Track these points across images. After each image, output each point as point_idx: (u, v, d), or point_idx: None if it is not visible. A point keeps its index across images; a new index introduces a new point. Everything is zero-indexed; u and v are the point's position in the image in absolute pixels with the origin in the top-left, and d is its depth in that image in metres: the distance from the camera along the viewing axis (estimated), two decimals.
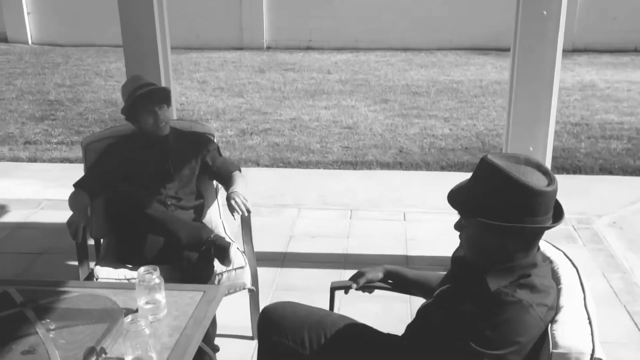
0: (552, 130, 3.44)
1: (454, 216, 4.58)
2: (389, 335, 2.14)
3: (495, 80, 9.52)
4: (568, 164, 5.60)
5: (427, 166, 5.59)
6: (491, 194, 1.66)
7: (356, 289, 2.30)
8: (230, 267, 2.85)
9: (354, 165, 5.65)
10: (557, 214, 1.69)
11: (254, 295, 3.03)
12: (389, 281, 2.32)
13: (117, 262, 2.93)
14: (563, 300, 1.66)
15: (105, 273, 2.81)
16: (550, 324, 1.61)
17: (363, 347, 2.08)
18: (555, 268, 1.81)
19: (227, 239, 3.01)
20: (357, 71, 10.45)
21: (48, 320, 2.02)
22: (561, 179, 5.28)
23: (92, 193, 3.03)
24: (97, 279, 2.76)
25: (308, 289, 3.51)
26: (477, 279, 1.70)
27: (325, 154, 5.95)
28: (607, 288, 3.49)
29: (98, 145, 3.23)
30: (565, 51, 12.28)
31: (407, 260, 3.87)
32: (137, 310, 2.29)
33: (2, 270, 3.35)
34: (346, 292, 2.35)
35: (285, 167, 5.64)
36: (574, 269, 1.82)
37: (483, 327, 1.59)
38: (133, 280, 2.76)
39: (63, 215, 4.51)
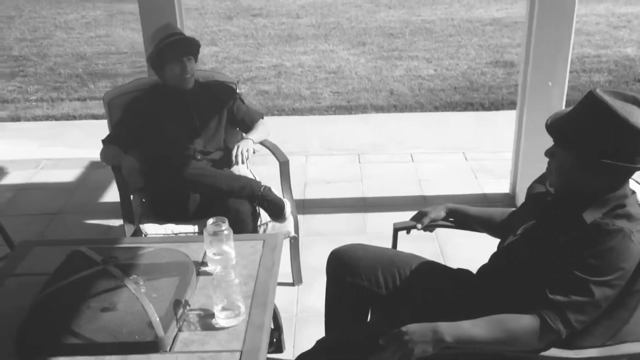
0: (569, 65, 3.51)
1: (459, 155, 4.67)
2: (461, 270, 2.21)
3: (467, 19, 9.57)
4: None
5: (422, 107, 5.64)
6: (594, 130, 1.70)
7: (421, 229, 2.34)
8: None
9: (348, 109, 5.66)
10: None
11: (295, 243, 3.06)
12: (450, 219, 2.37)
13: (158, 218, 2.90)
14: None
15: (152, 229, 2.79)
16: None
17: (438, 283, 2.14)
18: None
19: (277, 193, 2.97)
20: (326, 14, 10.33)
21: (135, 276, 2.00)
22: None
23: (123, 147, 2.97)
24: (145, 236, 2.74)
25: (336, 233, 3.56)
26: (570, 212, 1.76)
27: (317, 100, 5.93)
28: None
29: (121, 100, 3.15)
30: None
31: (425, 200, 3.95)
32: (205, 262, 2.30)
33: (19, 232, 3.27)
34: (408, 232, 2.40)
35: (280, 114, 5.60)
36: None
37: (586, 255, 1.65)
38: (181, 234, 2.78)
39: (65, 174, 4.48)
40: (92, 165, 4.58)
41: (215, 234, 2.27)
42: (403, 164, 4.46)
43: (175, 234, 2.78)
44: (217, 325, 1.98)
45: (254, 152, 2.95)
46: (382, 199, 3.96)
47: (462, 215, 2.34)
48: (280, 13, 10.55)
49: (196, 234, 2.80)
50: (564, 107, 3.62)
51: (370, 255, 2.25)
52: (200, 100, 3.05)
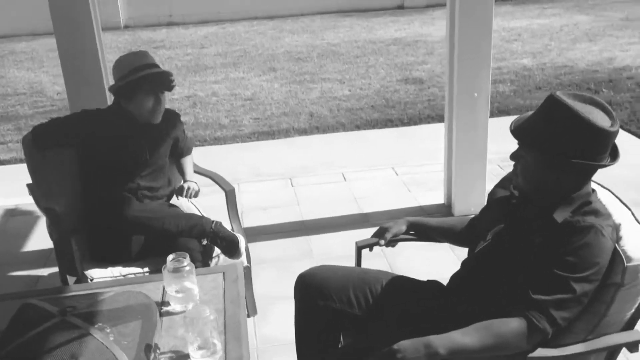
0: (490, 76, 3.66)
1: (390, 170, 4.75)
2: (431, 282, 2.22)
3: (370, 40, 9.82)
4: None
5: (343, 127, 5.70)
6: (556, 130, 1.76)
7: (384, 245, 2.34)
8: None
9: (271, 134, 5.63)
10: (613, 154, 1.80)
11: (248, 273, 2.98)
12: (411, 233, 2.38)
13: (100, 261, 2.73)
14: (616, 219, 1.82)
15: (98, 273, 2.62)
16: (616, 242, 1.77)
17: (412, 297, 2.14)
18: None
19: (231, 229, 2.88)
20: (231, 43, 10.30)
21: (100, 324, 1.87)
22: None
23: (55, 140, 2.80)
24: (91, 280, 2.58)
25: (281, 259, 3.51)
26: (540, 213, 1.81)
27: (239, 128, 5.86)
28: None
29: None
30: (419, 7, 12.89)
31: (365, 217, 3.97)
32: (167, 301, 2.19)
33: None
34: (371, 250, 2.39)
35: (203, 145, 5.49)
36: (609, 191, 1.99)
37: (563, 253, 1.70)
38: (130, 276, 2.64)
39: None
40: (7, 214, 4.29)
41: (176, 270, 2.17)
42: (335, 183, 4.47)
43: (124, 275, 2.64)
44: None
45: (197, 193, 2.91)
46: (322, 220, 3.95)
47: (422, 228, 2.36)
48: (184, 44, 10.41)
49: (146, 274, 2.66)
50: (489, 117, 3.78)
51: (339, 276, 2.22)
52: (152, 131, 2.89)
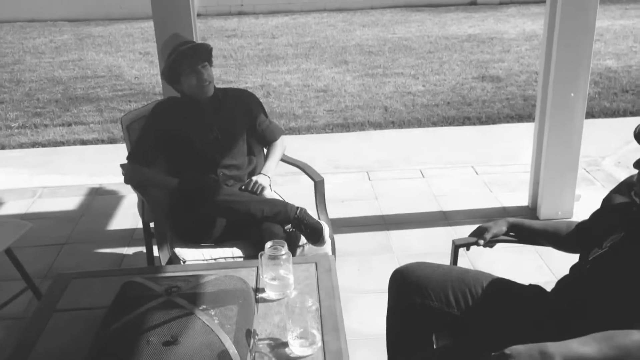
0: (589, 77, 3.52)
1: (469, 169, 4.64)
2: (535, 287, 2.14)
3: (443, 36, 9.66)
4: None
5: (419, 123, 5.61)
6: None
7: (483, 245, 2.27)
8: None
9: (346, 127, 5.59)
10: None
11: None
12: (511, 234, 2.31)
13: (189, 242, 2.77)
14: None
15: (190, 255, 2.65)
16: None
17: (514, 301, 2.06)
18: None
19: (315, 217, 2.88)
20: (302, 34, 10.30)
21: (204, 306, 1.88)
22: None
23: (146, 164, 2.85)
24: (184, 262, 2.60)
25: (363, 253, 3.48)
26: None
27: (313, 119, 5.85)
28: None
29: (141, 123, 3.02)
30: (492, 4, 12.66)
31: (444, 215, 3.89)
32: (261, 288, 2.19)
33: (28, 265, 3.08)
34: (468, 249, 2.33)
35: None
36: None
37: None
38: (221, 260, 2.65)
39: (65, 202, 4.27)
40: (93, 192, 4.39)
41: (273, 257, 2.17)
42: (414, 179, 4.40)
43: (215, 259, 2.65)
44: (292, 355, 1.88)
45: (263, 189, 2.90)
46: (401, 215, 3.89)
47: (524, 230, 2.28)
48: (255, 33, 10.48)
49: (236, 259, 2.67)
50: (584, 119, 3.64)
51: (438, 274, 2.16)
52: (222, 109, 2.94)
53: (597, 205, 3.82)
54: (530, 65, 7.50)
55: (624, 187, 2.00)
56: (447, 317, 2.10)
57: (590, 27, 3.36)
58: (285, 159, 3.17)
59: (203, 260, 2.63)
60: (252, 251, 2.70)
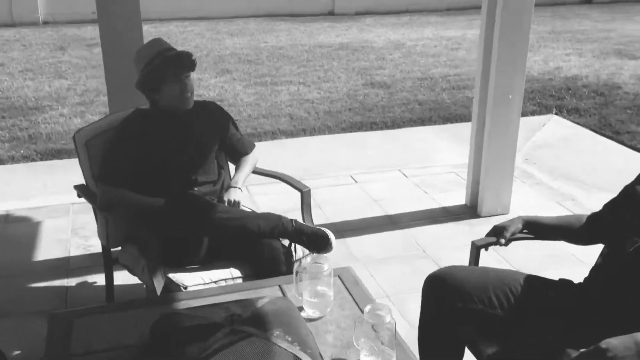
0: (524, 78, 3.74)
1: (397, 172, 4.73)
2: (566, 281, 2.21)
3: (315, 45, 9.80)
4: (447, 114, 6.09)
5: (330, 130, 5.64)
6: None
7: (504, 244, 2.31)
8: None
9: (257, 136, 5.46)
10: None
11: None
12: (524, 231, 2.37)
13: (174, 266, 2.52)
14: None
15: (189, 280, 2.42)
16: None
17: (553, 297, 2.11)
18: None
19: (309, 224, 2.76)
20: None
21: (278, 332, 1.72)
22: (452, 128, 5.69)
23: (122, 186, 2.58)
24: (185, 288, 2.37)
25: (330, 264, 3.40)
26: None
27: None
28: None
29: (102, 138, 2.73)
30: (349, 14, 13.06)
31: (391, 219, 3.93)
32: (301, 307, 2.06)
33: None
34: (486, 249, 2.36)
35: None
36: None
37: None
38: (221, 283, 2.45)
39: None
40: (1, 220, 3.88)
41: (316, 275, 2.05)
42: (348, 186, 4.41)
43: (215, 281, 2.45)
44: None
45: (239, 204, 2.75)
46: (351, 222, 3.87)
47: (538, 226, 2.35)
48: None
49: (236, 280, 2.49)
50: (520, 118, 3.86)
51: (476, 276, 2.17)
52: (197, 123, 2.76)
53: (524, 199, 4.08)
54: (410, 72, 7.84)
55: None
56: (491, 319, 2.11)
57: (526, 31, 3.58)
58: (263, 172, 3.04)
59: (204, 284, 2.42)
60: (250, 270, 2.54)
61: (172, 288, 2.38)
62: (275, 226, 2.57)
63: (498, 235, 2.32)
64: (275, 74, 7.77)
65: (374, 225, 3.84)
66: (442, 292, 2.15)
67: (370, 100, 6.59)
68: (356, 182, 4.48)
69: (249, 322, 1.75)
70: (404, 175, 4.59)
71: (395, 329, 1.81)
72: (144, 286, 2.79)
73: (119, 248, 2.78)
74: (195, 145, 2.74)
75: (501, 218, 3.88)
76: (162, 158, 2.66)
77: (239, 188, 2.79)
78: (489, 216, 3.89)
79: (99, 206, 2.60)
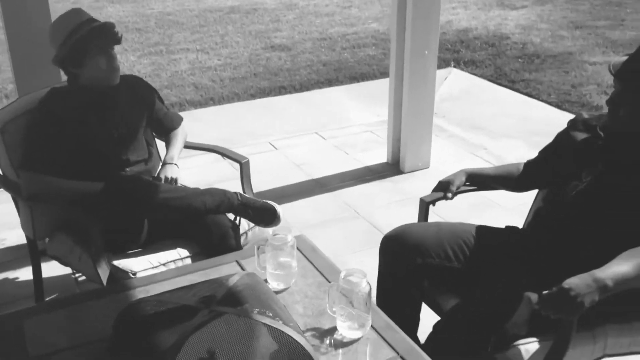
0: (438, 34, 3.81)
1: (315, 136, 4.74)
2: (514, 228, 2.30)
3: (205, 9, 9.50)
4: (352, 73, 6.13)
5: (238, 97, 5.52)
6: None
7: (451, 198, 2.37)
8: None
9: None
10: None
11: None
12: (467, 183, 2.43)
13: (115, 252, 2.39)
14: None
15: (136, 265, 2.30)
16: None
17: (504, 245, 2.19)
18: None
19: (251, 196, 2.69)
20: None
21: (257, 309, 1.68)
22: (360, 87, 5.73)
23: (49, 172, 2.39)
24: (134, 274, 2.25)
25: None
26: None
27: None
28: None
29: (19, 122, 2.51)
30: None
31: (318, 183, 3.94)
32: (265, 280, 2.02)
33: None
34: (434, 204, 2.41)
35: None
36: None
37: None
38: (171, 265, 2.36)
39: None
40: None
41: (280, 246, 2.01)
42: (268, 153, 4.35)
43: (164, 264, 2.35)
44: (344, 340, 1.79)
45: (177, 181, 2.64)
46: (278, 190, 3.84)
47: (481, 178, 2.43)
48: None
49: (185, 259, 2.40)
50: (436, 72, 3.94)
51: (432, 232, 2.22)
52: (122, 99, 2.60)
53: (441, 152, 4.21)
54: (308, 33, 7.79)
55: (579, 124, 2.23)
56: (449, 272, 2.17)
57: None
58: (194, 145, 2.92)
59: (153, 268, 2.32)
60: (199, 248, 2.46)
61: (119, 276, 2.26)
62: (222, 201, 2.49)
63: (444, 190, 2.38)
64: (169, 42, 7.47)
65: (302, 190, 3.83)
66: (400, 249, 2.18)
67: (274, 63, 6.51)
68: (276, 148, 4.43)
69: (225, 302, 1.69)
70: (322, 137, 4.60)
71: (370, 293, 1.81)
72: (74, 277, 2.64)
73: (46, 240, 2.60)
74: (123, 123, 2.59)
75: (423, 173, 4.00)
76: (89, 139, 2.49)
77: (175, 164, 2.67)
78: (412, 171, 3.99)
79: (24, 196, 2.40)
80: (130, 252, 2.43)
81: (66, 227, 2.49)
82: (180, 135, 2.85)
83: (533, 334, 1.92)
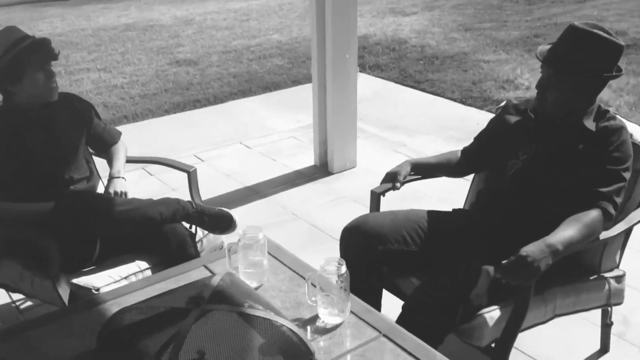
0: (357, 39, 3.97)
1: (240, 145, 4.78)
2: (462, 210, 2.46)
3: (98, 28, 9.28)
4: (264, 83, 6.20)
5: (153, 114, 5.44)
6: (588, 53, 2.08)
7: (399, 188, 2.49)
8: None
9: None
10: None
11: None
12: (411, 173, 2.57)
13: (70, 272, 2.34)
14: None
15: (97, 281, 2.26)
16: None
17: (460, 226, 2.34)
18: None
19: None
20: None
21: (248, 303, 1.71)
22: (274, 96, 5.81)
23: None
24: (97, 291, 2.21)
25: None
26: (571, 128, 2.17)
27: None
28: None
29: None
30: None
31: (252, 190, 3.97)
32: None
33: None
34: (383, 195, 2.53)
35: None
36: None
37: (610, 152, 2.10)
38: (132, 278, 2.34)
39: None
40: None
41: (252, 245, 2.06)
42: (196, 165, 4.27)
43: (125, 277, 2.32)
44: (327, 327, 1.87)
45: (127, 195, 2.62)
46: (211, 201, 3.83)
47: (424, 167, 2.58)
48: None
49: (145, 271, 2.38)
50: (357, 74, 4.09)
51: (389, 220, 2.33)
52: (61, 116, 2.57)
53: (365, 151, 4.38)
54: (212, 47, 7.79)
55: (510, 108, 2.42)
56: (408, 256, 2.29)
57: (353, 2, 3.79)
58: (136, 159, 2.90)
59: (114, 282, 2.29)
60: (158, 259, 2.44)
61: (80, 293, 2.21)
62: (177, 210, 2.49)
63: (392, 180, 2.49)
64: (67, 63, 7.23)
65: (237, 198, 3.85)
66: (361, 238, 2.28)
67: (183, 78, 6.46)
68: (202, 160, 4.42)
69: (214, 301, 1.72)
70: (247, 146, 4.64)
71: (349, 279, 1.90)
72: (15, 305, 2.55)
73: None
74: (63, 141, 2.54)
75: (351, 172, 4.14)
76: (30, 159, 2.42)
77: (123, 177, 2.64)
78: (341, 172, 4.12)
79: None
80: (84, 270, 2.38)
81: (13, 252, 2.41)
82: (122, 149, 2.82)
83: (494, 303, 2.08)
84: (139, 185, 4.03)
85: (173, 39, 8.32)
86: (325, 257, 1.91)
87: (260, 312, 1.69)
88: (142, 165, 4.26)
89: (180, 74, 6.60)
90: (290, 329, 1.67)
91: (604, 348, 2.52)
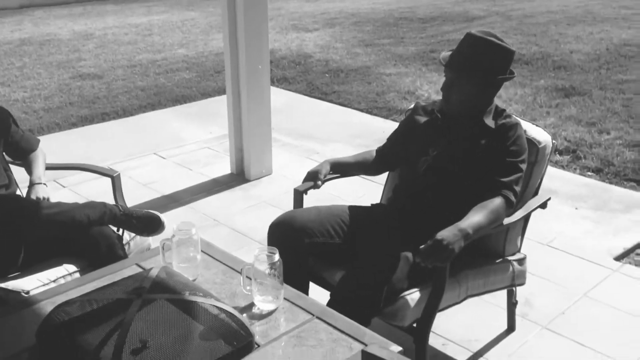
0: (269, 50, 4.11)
1: (154, 156, 4.79)
2: (381, 205, 2.63)
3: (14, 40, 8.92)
4: (173, 96, 6.21)
5: (59, 127, 5.32)
6: (487, 57, 2.32)
7: (321, 186, 2.64)
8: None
9: None
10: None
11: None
12: (331, 172, 2.73)
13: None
14: None
15: (27, 284, 2.25)
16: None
17: (381, 218, 2.51)
18: None
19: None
20: None
21: (188, 291, 1.80)
22: (184, 108, 5.84)
23: None
24: (27, 294, 2.20)
25: None
26: (473, 125, 2.41)
27: None
28: None
29: None
30: (13, 8, 12.16)
31: (171, 199, 4.00)
32: None
33: None
34: (306, 193, 2.67)
35: None
36: None
37: (508, 146, 2.34)
38: (60, 281, 2.34)
39: None
40: None
41: (185, 241, 2.14)
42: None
43: (53, 280, 2.32)
44: (263, 313, 1.98)
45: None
46: (143, 205, 3.83)
47: (343, 166, 2.74)
48: None
49: (74, 274, 2.39)
50: (270, 84, 4.22)
51: (313, 215, 2.47)
52: None
53: (280, 159, 4.54)
54: (115, 61, 7.69)
55: (419, 110, 2.64)
56: (332, 248, 2.44)
57: (264, 7, 3.93)
58: (61, 166, 2.91)
59: (43, 285, 2.28)
60: (86, 262, 2.46)
61: (9, 297, 2.20)
62: (103, 213, 2.52)
63: (314, 179, 2.64)
64: None
65: (156, 207, 3.84)
66: (289, 232, 2.40)
67: (88, 92, 6.35)
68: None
69: (155, 291, 1.79)
70: (162, 157, 4.65)
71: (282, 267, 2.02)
72: None
73: None
74: None
75: (268, 178, 4.26)
76: None
77: (44, 183, 2.64)
78: (258, 178, 4.23)
79: None
80: (10, 275, 2.36)
81: None
82: (41, 156, 2.81)
83: (414, 286, 2.26)
84: (51, 198, 3.96)
85: (73, 54, 8.13)
86: (259, 247, 2.02)
87: (201, 299, 1.78)
88: (53, 178, 4.18)
89: (85, 88, 6.49)
90: (231, 314, 1.77)
91: (511, 327, 2.77)
